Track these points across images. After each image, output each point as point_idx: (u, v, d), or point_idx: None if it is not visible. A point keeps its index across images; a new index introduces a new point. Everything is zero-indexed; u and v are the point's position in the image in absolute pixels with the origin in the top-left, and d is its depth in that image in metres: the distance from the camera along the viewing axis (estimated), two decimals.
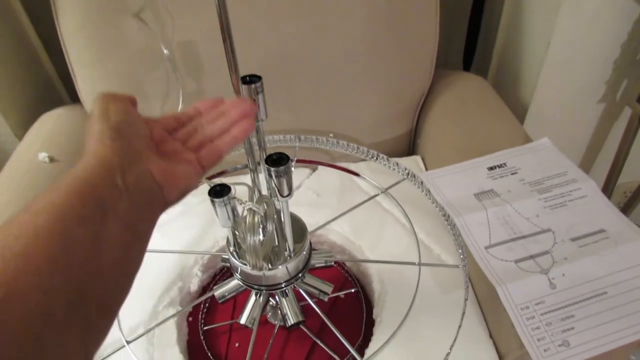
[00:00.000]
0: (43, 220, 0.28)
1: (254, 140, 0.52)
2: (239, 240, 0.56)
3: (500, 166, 0.75)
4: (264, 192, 0.54)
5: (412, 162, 0.96)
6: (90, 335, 0.30)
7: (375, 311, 0.71)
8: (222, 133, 0.46)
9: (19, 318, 0.25)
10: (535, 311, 0.56)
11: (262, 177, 0.52)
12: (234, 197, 0.50)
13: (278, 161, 0.47)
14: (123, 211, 0.33)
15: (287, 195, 0.50)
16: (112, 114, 0.39)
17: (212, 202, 0.50)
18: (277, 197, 0.49)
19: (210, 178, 0.79)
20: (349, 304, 0.78)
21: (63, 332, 0.27)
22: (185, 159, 0.43)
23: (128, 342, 0.56)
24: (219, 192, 0.51)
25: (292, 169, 0.81)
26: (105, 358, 0.57)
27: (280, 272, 0.56)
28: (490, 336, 0.65)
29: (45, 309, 0.26)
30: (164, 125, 0.45)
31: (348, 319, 0.76)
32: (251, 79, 0.46)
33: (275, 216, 0.59)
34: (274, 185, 0.48)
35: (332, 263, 0.81)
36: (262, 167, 0.50)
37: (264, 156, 0.49)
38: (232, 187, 0.51)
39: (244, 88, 0.45)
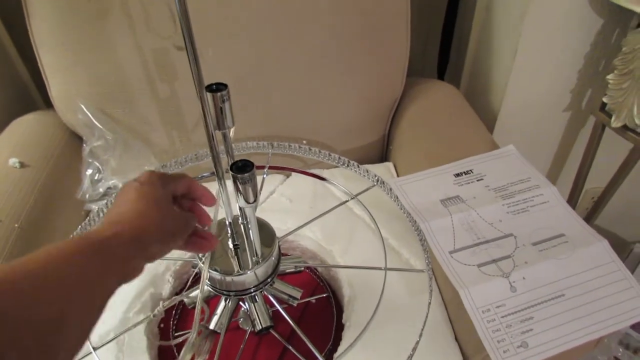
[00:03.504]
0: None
1: (221, 147, 0.53)
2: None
3: (466, 172, 0.77)
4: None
5: (384, 169, 0.97)
6: None
7: (344, 315, 0.73)
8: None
9: None
10: (496, 314, 0.58)
11: (229, 183, 0.53)
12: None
13: (243, 168, 0.48)
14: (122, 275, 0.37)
15: (252, 202, 0.51)
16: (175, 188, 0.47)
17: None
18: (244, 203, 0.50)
19: None
20: (320, 308, 0.79)
21: None
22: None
23: (95, 349, 0.56)
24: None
25: (265, 175, 0.82)
26: None
27: (249, 277, 0.57)
28: (456, 339, 0.67)
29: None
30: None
31: (319, 323, 0.77)
32: (217, 87, 0.47)
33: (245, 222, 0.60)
34: (240, 191, 0.49)
35: (302, 268, 0.82)
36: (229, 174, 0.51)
37: (231, 163, 0.50)
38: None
39: (209, 96, 0.46)
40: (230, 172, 0.48)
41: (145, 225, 0.39)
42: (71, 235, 0.70)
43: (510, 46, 0.92)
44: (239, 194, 0.50)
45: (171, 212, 0.44)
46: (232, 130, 0.51)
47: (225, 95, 0.48)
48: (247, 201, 0.50)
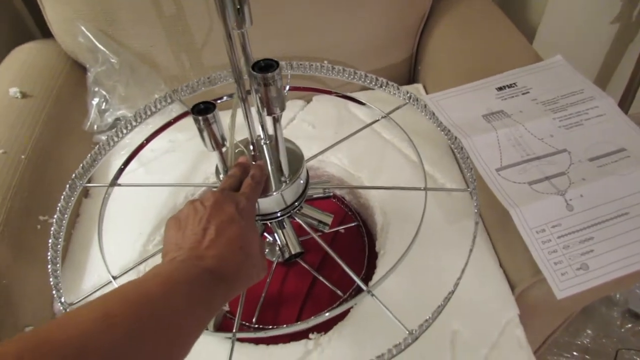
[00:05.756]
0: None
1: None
2: (228, 167, 0.51)
3: (510, 86, 0.69)
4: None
5: (413, 90, 0.89)
6: None
7: (378, 244, 0.68)
8: None
9: None
10: (552, 234, 0.52)
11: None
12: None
13: (266, 68, 0.41)
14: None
15: (279, 112, 0.44)
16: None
17: (196, 121, 0.44)
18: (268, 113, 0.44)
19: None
20: (350, 238, 0.74)
21: None
22: None
23: (115, 278, 0.52)
24: (202, 110, 0.45)
25: (286, 93, 0.75)
26: (91, 294, 0.53)
27: (275, 200, 0.51)
28: (501, 265, 0.62)
29: None
30: None
31: (349, 253, 0.72)
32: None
33: (267, 142, 0.54)
34: (262, 98, 0.42)
35: (331, 193, 0.77)
36: (251, 79, 0.44)
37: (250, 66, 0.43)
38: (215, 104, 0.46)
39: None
40: (252, 73, 0.41)
41: (237, 274, 0.39)
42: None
43: None
44: (263, 103, 0.44)
45: (259, 260, 0.43)
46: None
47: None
48: (271, 111, 0.44)
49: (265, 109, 0.44)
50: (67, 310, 0.52)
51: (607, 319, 1.09)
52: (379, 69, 0.92)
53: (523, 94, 0.67)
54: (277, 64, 0.41)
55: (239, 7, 0.40)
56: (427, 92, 0.89)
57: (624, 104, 0.97)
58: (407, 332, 0.44)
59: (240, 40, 0.43)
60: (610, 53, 0.98)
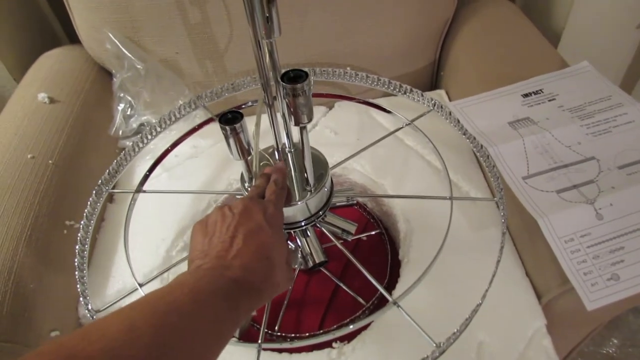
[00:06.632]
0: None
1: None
2: (253, 175, 0.52)
3: (536, 93, 0.68)
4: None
5: (436, 97, 0.89)
6: None
7: (401, 252, 0.67)
8: None
9: None
10: (581, 244, 0.51)
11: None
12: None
13: (295, 79, 0.41)
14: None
15: (307, 121, 0.44)
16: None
17: (223, 130, 0.45)
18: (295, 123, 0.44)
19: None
20: (372, 246, 0.74)
21: None
22: None
23: (141, 285, 0.52)
24: (230, 119, 0.46)
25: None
26: (117, 301, 0.54)
27: (300, 209, 0.51)
28: (527, 275, 0.61)
29: None
30: None
31: (372, 261, 0.72)
32: None
33: (292, 150, 0.54)
34: (290, 108, 0.43)
35: (355, 201, 0.76)
36: (278, 89, 0.44)
37: (279, 76, 0.43)
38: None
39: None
40: (281, 84, 0.41)
41: (263, 284, 0.39)
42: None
43: None
44: (290, 113, 0.44)
45: (286, 270, 0.43)
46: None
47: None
48: (299, 121, 0.44)
49: (292, 119, 0.44)
50: (94, 317, 0.53)
51: (634, 327, 1.07)
52: (401, 74, 0.92)
53: (549, 100, 0.67)
54: (307, 74, 0.41)
55: (267, 15, 0.40)
56: (450, 98, 0.88)
57: None
58: (435, 345, 0.44)
59: (268, 48, 0.44)
60: (636, 57, 0.97)
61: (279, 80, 0.42)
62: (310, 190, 0.51)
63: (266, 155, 0.54)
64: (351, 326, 0.46)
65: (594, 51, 0.94)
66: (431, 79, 0.96)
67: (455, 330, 0.44)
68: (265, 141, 0.55)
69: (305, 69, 0.42)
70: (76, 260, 0.56)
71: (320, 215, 0.54)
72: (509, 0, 0.93)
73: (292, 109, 0.43)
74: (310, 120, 0.44)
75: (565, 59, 0.77)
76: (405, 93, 0.70)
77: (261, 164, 0.54)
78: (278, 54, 0.44)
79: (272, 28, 0.41)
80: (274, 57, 0.44)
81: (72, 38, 0.89)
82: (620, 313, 0.83)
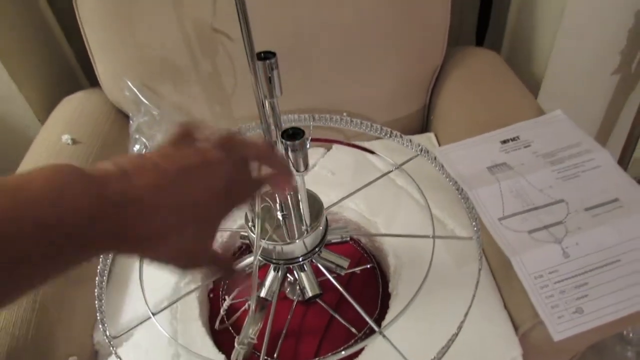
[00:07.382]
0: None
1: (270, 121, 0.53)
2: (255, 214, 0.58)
3: (513, 139, 0.75)
4: None
5: (425, 139, 0.96)
6: None
7: (391, 285, 0.73)
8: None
9: None
10: (549, 280, 0.57)
11: None
12: None
13: (293, 136, 0.48)
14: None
15: (303, 170, 0.51)
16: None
17: None
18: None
19: None
20: (365, 279, 0.79)
21: None
22: None
23: (154, 314, 0.58)
24: None
25: (307, 146, 0.82)
26: (131, 329, 0.59)
27: (298, 246, 0.58)
28: (505, 307, 0.67)
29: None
30: None
31: (364, 293, 0.77)
32: (265, 55, 0.47)
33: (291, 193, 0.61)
34: (289, 160, 0.49)
35: (348, 238, 0.82)
36: (278, 142, 0.51)
37: (279, 133, 0.50)
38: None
39: (258, 65, 0.46)
40: (281, 140, 0.48)
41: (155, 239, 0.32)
42: None
43: (557, 7, 0.88)
44: (289, 163, 0.50)
45: (202, 257, 0.38)
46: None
47: (274, 64, 0.48)
48: (297, 169, 0.51)
49: (293, 168, 0.51)
50: (111, 343, 0.58)
51: (620, 358, 1.11)
52: (395, 119, 0.99)
53: (525, 147, 0.73)
54: (303, 132, 0.48)
55: (269, 76, 0.47)
56: (438, 141, 0.95)
57: (627, 151, 1.02)
58: None
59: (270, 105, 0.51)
60: (612, 102, 1.04)
61: (279, 137, 0.49)
62: (307, 230, 0.57)
63: (267, 199, 0.61)
64: (343, 352, 0.51)
65: (573, 97, 1.01)
66: (422, 122, 1.04)
67: (433, 357, 0.50)
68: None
69: (302, 128, 0.49)
70: (95, 290, 0.62)
71: (316, 252, 0.60)
72: (493, 50, 1.01)
73: (291, 161, 0.50)
74: (306, 168, 0.51)
75: (546, 105, 0.84)
76: (395, 138, 0.77)
77: (262, 205, 0.60)
78: (280, 100, 0.51)
79: (273, 88, 0.48)
80: (275, 113, 0.52)
81: (92, 81, 0.96)
82: (602, 342, 0.86)
